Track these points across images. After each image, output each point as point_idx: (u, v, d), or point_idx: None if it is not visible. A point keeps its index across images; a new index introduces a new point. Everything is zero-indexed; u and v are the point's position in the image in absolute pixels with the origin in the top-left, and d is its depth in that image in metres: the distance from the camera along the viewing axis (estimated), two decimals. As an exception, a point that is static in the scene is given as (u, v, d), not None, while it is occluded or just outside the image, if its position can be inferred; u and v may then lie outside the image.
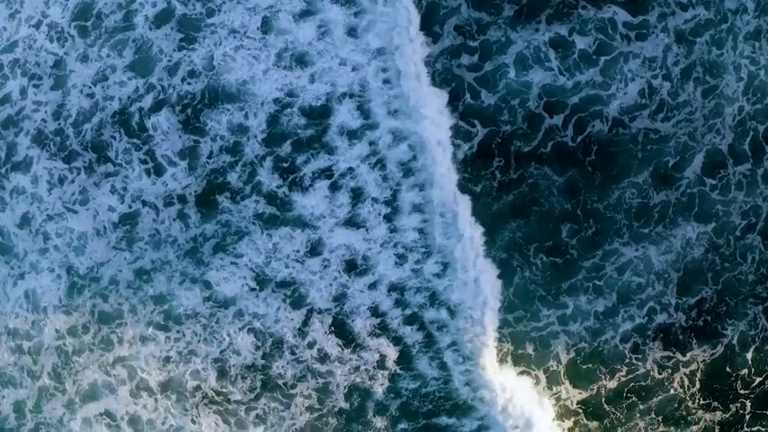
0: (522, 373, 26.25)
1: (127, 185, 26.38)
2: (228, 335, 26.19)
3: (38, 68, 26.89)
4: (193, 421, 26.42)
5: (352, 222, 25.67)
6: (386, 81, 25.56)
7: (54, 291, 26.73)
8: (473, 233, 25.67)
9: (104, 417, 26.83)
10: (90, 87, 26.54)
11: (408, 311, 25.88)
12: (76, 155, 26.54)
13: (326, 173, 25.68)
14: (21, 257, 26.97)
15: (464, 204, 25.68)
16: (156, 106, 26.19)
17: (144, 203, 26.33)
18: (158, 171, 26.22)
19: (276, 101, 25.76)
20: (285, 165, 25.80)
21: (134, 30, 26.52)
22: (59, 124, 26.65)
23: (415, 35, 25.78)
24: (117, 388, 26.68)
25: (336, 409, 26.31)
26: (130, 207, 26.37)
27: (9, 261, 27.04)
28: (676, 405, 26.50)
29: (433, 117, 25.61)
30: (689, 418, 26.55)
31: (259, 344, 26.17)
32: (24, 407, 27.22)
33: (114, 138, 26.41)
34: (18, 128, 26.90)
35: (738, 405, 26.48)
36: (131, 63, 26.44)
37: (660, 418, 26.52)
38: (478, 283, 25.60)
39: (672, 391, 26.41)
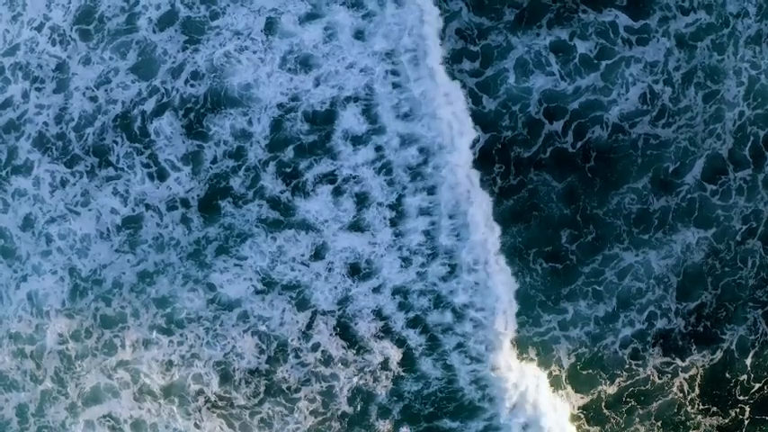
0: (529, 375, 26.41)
1: (129, 189, 26.26)
2: (232, 338, 26.18)
3: (40, 72, 26.67)
4: (197, 425, 26.41)
5: (357, 226, 25.66)
6: (395, 84, 25.44)
7: (57, 293, 26.63)
8: (489, 232, 25.65)
9: (107, 420, 26.75)
10: (93, 90, 26.36)
11: (412, 314, 25.94)
12: (78, 159, 26.37)
13: (329, 178, 25.63)
14: (23, 260, 26.81)
15: (481, 203, 25.65)
16: (159, 110, 26.06)
17: (147, 207, 26.25)
18: (161, 175, 26.11)
19: (280, 105, 25.65)
20: (288, 170, 25.76)
21: (137, 32, 26.32)
22: (61, 128, 26.46)
23: (431, 35, 25.64)
24: (120, 392, 26.63)
25: (340, 413, 26.38)
26: (134, 210, 26.27)
27: (11, 264, 26.88)
28: (676, 410, 26.71)
29: (448, 118, 25.47)
30: (688, 423, 26.75)
31: (263, 347, 26.17)
32: (27, 411, 27.12)
33: (116, 142, 26.25)
34: (20, 132, 26.64)
35: (737, 410, 26.69)
36: (134, 66, 26.26)
37: (660, 423, 26.71)
38: (489, 284, 25.59)
39: (671, 397, 26.60)
